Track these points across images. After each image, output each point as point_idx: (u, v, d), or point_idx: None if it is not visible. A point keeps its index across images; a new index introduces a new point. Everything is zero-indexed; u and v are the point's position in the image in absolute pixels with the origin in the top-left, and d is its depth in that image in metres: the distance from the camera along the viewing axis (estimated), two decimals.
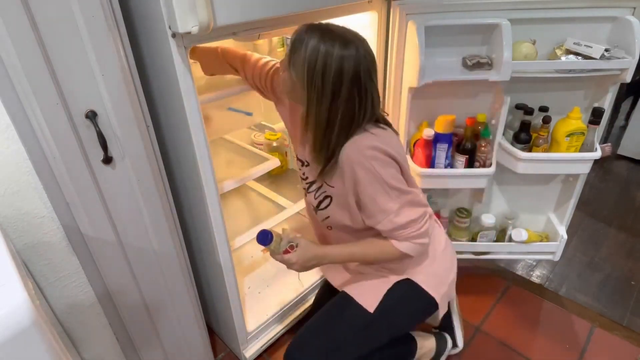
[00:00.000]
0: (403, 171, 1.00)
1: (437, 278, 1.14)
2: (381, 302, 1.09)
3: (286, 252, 1.03)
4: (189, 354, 1.31)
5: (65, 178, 0.83)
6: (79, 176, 0.84)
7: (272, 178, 1.77)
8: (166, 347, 1.22)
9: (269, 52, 1.56)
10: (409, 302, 1.12)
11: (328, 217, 1.09)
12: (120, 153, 0.89)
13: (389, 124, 1.03)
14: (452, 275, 1.19)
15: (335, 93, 0.88)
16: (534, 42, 1.25)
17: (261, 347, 1.44)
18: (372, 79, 0.92)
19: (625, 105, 2.96)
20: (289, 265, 1.04)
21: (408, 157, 1.46)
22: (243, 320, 1.35)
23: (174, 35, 0.83)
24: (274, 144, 1.59)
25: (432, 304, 1.12)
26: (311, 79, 0.87)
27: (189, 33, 0.81)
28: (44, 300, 0.95)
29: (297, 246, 1.03)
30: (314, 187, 1.09)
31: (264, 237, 1.02)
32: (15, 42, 0.69)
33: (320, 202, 1.08)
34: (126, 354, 1.18)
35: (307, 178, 1.12)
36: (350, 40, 0.87)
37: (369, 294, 1.11)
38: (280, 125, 1.43)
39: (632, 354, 1.44)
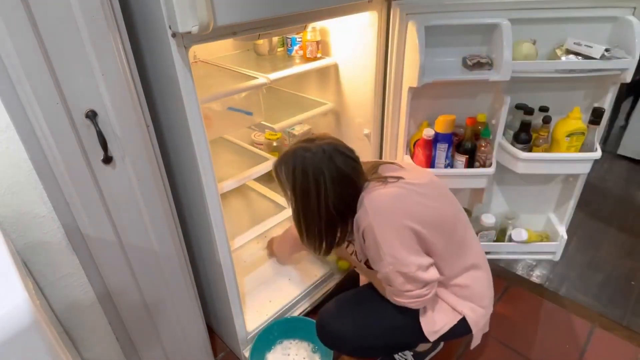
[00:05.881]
0: (420, 238, 0.99)
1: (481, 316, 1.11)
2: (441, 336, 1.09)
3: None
4: (189, 354, 1.31)
5: (65, 178, 0.83)
6: (79, 176, 0.84)
7: (272, 178, 1.77)
8: (166, 347, 1.22)
9: (269, 51, 1.56)
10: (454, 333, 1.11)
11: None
12: (120, 153, 0.89)
13: (386, 178, 1.03)
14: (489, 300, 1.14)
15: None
16: (534, 42, 1.25)
17: None
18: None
19: (625, 105, 2.95)
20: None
21: (408, 156, 1.46)
22: (243, 320, 1.35)
23: (174, 35, 0.83)
24: (274, 144, 1.59)
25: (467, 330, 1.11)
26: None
27: (189, 33, 0.81)
28: (44, 300, 0.95)
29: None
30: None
31: None
32: (15, 42, 0.69)
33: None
34: (126, 354, 1.18)
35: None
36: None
37: (432, 322, 1.08)
38: (280, 125, 1.44)
39: (632, 354, 1.44)
